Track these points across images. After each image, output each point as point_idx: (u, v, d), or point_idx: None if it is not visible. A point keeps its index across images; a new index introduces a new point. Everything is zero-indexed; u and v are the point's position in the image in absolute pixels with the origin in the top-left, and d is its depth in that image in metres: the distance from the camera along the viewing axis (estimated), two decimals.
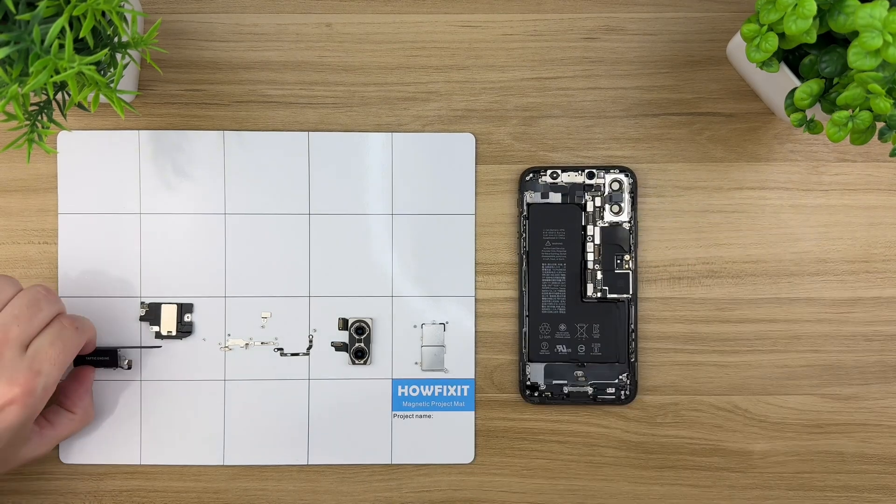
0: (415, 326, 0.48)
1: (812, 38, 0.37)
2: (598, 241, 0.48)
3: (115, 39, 0.40)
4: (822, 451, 0.49)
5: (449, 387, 0.48)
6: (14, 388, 0.39)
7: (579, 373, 0.48)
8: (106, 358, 0.47)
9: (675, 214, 0.49)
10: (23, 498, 0.48)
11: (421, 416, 0.48)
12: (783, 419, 0.49)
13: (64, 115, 0.42)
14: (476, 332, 0.48)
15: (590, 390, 0.48)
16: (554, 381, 0.48)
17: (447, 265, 0.48)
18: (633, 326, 0.48)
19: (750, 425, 0.49)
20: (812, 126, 0.41)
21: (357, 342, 0.48)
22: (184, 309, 0.48)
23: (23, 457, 0.43)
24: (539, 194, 0.48)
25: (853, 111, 0.38)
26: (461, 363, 0.48)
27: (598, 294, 0.48)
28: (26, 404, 0.39)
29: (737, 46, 0.45)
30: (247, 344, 0.48)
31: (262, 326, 0.48)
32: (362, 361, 0.48)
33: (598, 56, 0.49)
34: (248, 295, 0.48)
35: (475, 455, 0.49)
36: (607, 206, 0.48)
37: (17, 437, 0.40)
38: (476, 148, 0.48)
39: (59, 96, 0.41)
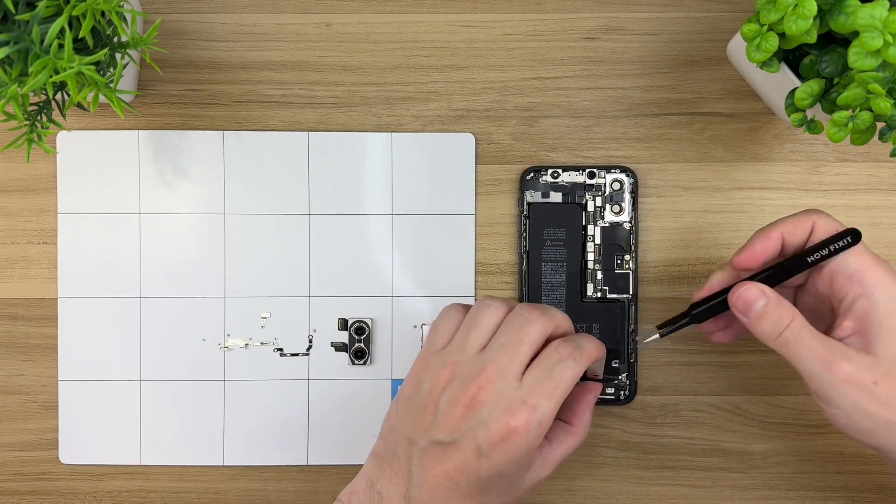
0: (415, 326, 0.48)
1: (812, 38, 0.37)
2: (598, 240, 0.48)
3: (115, 39, 0.40)
4: (822, 451, 0.49)
5: None
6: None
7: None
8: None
9: (675, 214, 0.49)
10: (23, 498, 0.48)
11: None
12: (783, 419, 0.49)
13: (63, 115, 0.42)
14: None
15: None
16: None
17: (447, 265, 0.48)
18: (632, 326, 0.48)
19: (750, 425, 0.49)
20: (812, 126, 0.41)
21: (357, 342, 0.48)
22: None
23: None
24: (540, 194, 0.48)
25: (853, 111, 0.38)
26: None
27: (599, 294, 0.48)
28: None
29: (737, 46, 0.45)
30: (247, 344, 0.48)
31: (262, 326, 0.48)
32: (362, 361, 0.48)
33: (598, 56, 0.49)
34: (248, 295, 0.48)
35: None
36: (608, 206, 0.48)
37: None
38: (476, 148, 0.48)
39: (58, 96, 0.41)
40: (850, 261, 0.38)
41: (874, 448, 0.38)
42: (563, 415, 0.41)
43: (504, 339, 0.37)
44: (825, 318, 0.40)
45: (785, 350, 0.37)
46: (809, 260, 0.39)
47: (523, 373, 0.37)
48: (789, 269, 0.40)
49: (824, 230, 0.39)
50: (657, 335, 0.43)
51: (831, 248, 0.38)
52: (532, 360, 0.38)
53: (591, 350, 0.39)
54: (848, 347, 0.36)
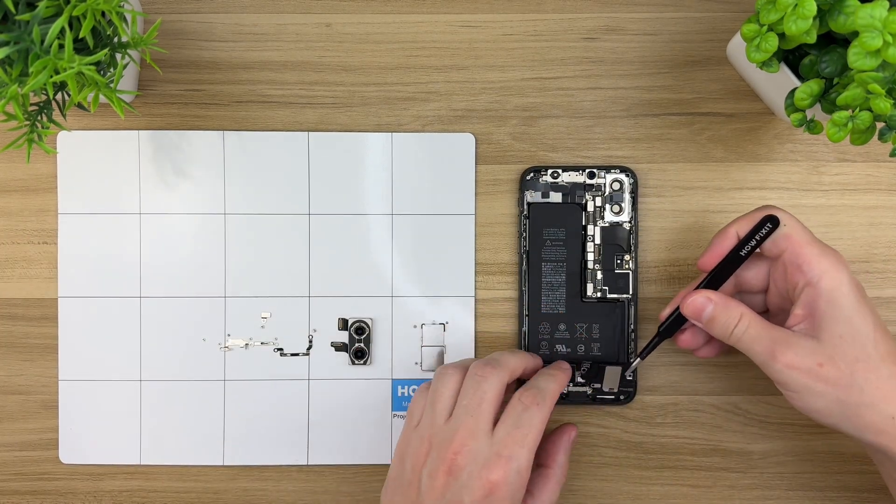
0: (415, 326, 0.48)
1: (812, 38, 0.37)
2: (598, 240, 0.48)
3: (115, 39, 0.40)
4: (822, 451, 0.49)
5: None
6: (491, 476, 0.38)
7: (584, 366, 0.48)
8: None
9: (675, 214, 0.49)
10: (23, 498, 0.48)
11: None
12: (783, 419, 0.49)
13: (64, 115, 0.42)
14: (476, 332, 0.48)
15: (589, 390, 0.48)
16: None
17: (447, 265, 0.48)
18: (632, 327, 0.48)
19: (750, 425, 0.49)
20: (812, 126, 0.41)
21: (357, 342, 0.48)
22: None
23: None
24: (540, 194, 0.48)
25: (853, 111, 0.38)
26: None
27: (598, 294, 0.48)
28: (508, 490, 0.38)
29: (737, 46, 0.45)
30: (247, 344, 0.48)
31: (262, 326, 0.48)
32: (362, 361, 0.48)
33: (598, 56, 0.49)
34: (248, 295, 0.48)
35: None
36: (608, 206, 0.48)
37: None
38: (476, 148, 0.48)
39: (58, 96, 0.41)
40: (798, 252, 0.40)
41: (838, 430, 0.39)
42: (541, 459, 0.43)
43: (465, 402, 0.40)
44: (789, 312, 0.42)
45: (738, 345, 0.41)
46: (742, 253, 0.42)
47: (493, 428, 0.39)
48: (728, 267, 0.42)
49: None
50: (638, 359, 0.45)
51: (756, 237, 0.41)
52: (501, 412, 0.40)
53: (553, 390, 0.41)
54: (794, 334, 0.39)
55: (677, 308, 0.43)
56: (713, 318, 0.41)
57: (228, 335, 0.48)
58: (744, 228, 0.42)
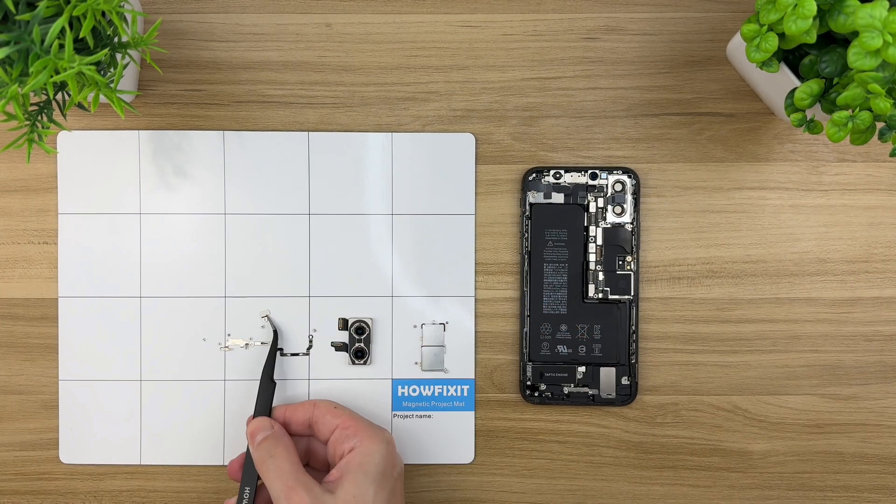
0: (415, 326, 0.48)
1: (812, 38, 0.37)
2: (600, 241, 0.48)
3: (115, 39, 0.40)
4: (822, 451, 0.49)
5: (449, 387, 0.48)
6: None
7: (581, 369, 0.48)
8: None
9: (675, 214, 0.49)
10: (23, 498, 0.48)
11: (421, 416, 0.48)
12: (783, 419, 0.49)
13: (64, 115, 0.42)
14: (476, 332, 0.48)
15: (590, 390, 0.48)
16: (554, 382, 0.48)
17: (447, 265, 0.48)
18: (633, 328, 0.48)
19: (750, 425, 0.49)
20: (812, 126, 0.41)
21: (357, 342, 0.48)
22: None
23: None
24: (542, 194, 0.48)
25: (853, 111, 0.38)
26: (461, 363, 0.48)
27: (600, 295, 0.48)
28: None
29: (737, 46, 0.45)
30: (247, 344, 0.48)
31: (262, 326, 0.48)
32: (362, 361, 0.48)
33: (598, 56, 0.49)
34: (248, 295, 0.48)
35: (475, 455, 0.49)
36: (609, 207, 0.48)
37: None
38: (476, 148, 0.48)
39: (59, 96, 0.41)
40: (346, 426, 0.44)
41: None
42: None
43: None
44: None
45: (264, 476, 0.42)
46: None
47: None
48: None
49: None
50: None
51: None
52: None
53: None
54: (317, 485, 0.41)
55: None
56: (259, 445, 0.43)
57: (228, 335, 0.48)
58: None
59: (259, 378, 0.47)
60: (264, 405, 0.46)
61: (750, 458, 0.49)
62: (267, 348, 0.48)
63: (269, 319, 0.48)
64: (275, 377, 0.47)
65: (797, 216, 0.49)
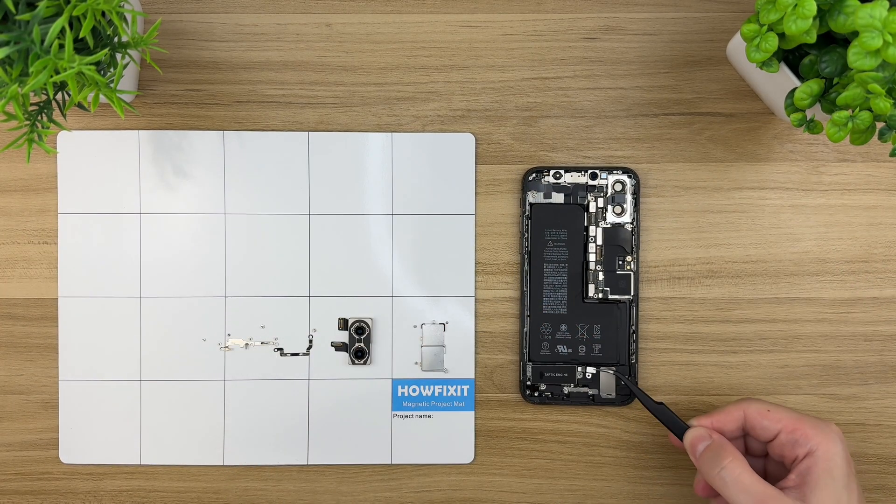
0: (415, 326, 0.48)
1: (812, 38, 0.37)
2: (600, 241, 0.48)
3: (115, 39, 0.40)
4: None
5: (449, 387, 0.48)
6: None
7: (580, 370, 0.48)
8: None
9: (675, 214, 0.49)
10: (23, 498, 0.48)
11: (421, 416, 0.48)
12: None
13: (64, 115, 0.42)
14: (476, 332, 0.48)
15: (590, 390, 0.48)
16: (554, 382, 0.48)
17: (447, 265, 0.48)
18: (633, 328, 0.48)
19: None
20: (812, 126, 0.41)
21: (357, 342, 0.48)
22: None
23: None
24: (542, 194, 0.48)
25: (853, 111, 0.38)
26: (461, 363, 0.48)
27: (600, 295, 0.48)
28: None
29: (737, 46, 0.45)
30: (247, 344, 0.48)
31: (262, 326, 0.48)
32: (362, 361, 0.48)
33: (598, 56, 0.49)
34: (248, 295, 0.48)
35: (475, 455, 0.49)
36: (609, 207, 0.48)
37: None
38: (476, 148, 0.48)
39: (59, 96, 0.41)
40: (793, 429, 0.42)
41: None
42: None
43: None
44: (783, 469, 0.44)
45: (722, 488, 0.41)
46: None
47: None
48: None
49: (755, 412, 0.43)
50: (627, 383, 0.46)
51: None
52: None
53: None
54: (783, 494, 0.40)
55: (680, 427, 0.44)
56: (703, 456, 0.42)
57: (228, 335, 0.48)
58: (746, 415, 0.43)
59: (648, 406, 0.45)
60: (676, 420, 0.44)
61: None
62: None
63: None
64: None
65: (797, 216, 0.49)
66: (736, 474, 0.40)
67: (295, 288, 0.48)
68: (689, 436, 0.43)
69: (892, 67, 0.36)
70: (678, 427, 0.44)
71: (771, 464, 0.44)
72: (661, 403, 0.45)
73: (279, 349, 0.48)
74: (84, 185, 0.48)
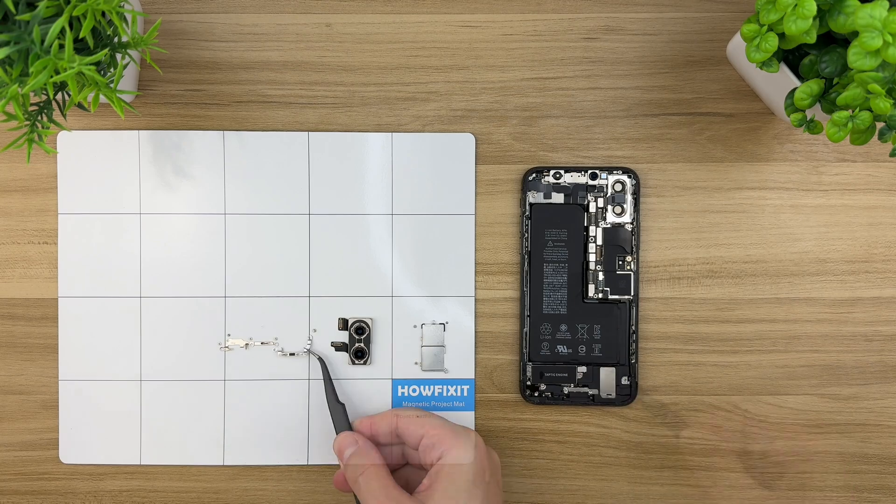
0: (415, 326, 0.48)
1: (812, 38, 0.37)
2: (600, 241, 0.48)
3: (115, 39, 0.40)
4: (822, 451, 0.49)
5: (449, 387, 0.48)
6: None
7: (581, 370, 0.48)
8: None
9: (675, 214, 0.49)
10: (23, 498, 0.48)
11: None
12: (783, 419, 0.49)
13: (64, 115, 0.42)
14: (476, 332, 0.48)
15: (589, 390, 0.48)
16: (554, 382, 0.48)
17: (447, 265, 0.48)
18: (633, 328, 0.48)
19: (750, 425, 0.49)
20: (812, 126, 0.41)
21: (357, 342, 0.48)
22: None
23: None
24: (542, 194, 0.48)
25: (853, 111, 0.38)
26: (461, 363, 0.48)
27: (600, 295, 0.48)
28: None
29: (737, 46, 0.45)
30: (247, 344, 0.48)
31: (262, 326, 0.48)
32: (362, 361, 0.48)
33: (598, 56, 0.49)
34: (248, 295, 0.48)
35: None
36: (609, 207, 0.48)
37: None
38: (476, 148, 0.48)
39: (59, 96, 0.41)
40: (431, 434, 0.43)
41: None
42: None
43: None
44: None
45: (359, 493, 0.42)
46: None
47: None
48: None
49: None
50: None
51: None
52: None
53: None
54: (409, 497, 0.41)
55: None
56: (348, 462, 0.44)
57: (228, 335, 0.48)
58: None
59: (327, 403, 0.47)
60: (342, 423, 0.46)
61: (750, 458, 0.49)
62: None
63: (310, 351, 0.48)
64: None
65: (797, 216, 0.49)
66: (369, 480, 0.42)
67: (295, 288, 0.48)
68: (338, 440, 0.45)
69: (892, 67, 0.36)
70: (341, 428, 0.46)
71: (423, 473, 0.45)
72: (343, 405, 0.46)
73: (279, 349, 0.48)
74: (84, 185, 0.48)
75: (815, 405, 0.49)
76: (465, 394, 0.48)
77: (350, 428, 0.46)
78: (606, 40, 0.49)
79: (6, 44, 0.35)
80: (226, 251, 0.48)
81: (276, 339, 0.48)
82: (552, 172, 0.48)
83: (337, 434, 0.46)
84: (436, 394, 0.48)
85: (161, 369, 0.48)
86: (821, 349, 0.49)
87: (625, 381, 0.48)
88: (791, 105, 0.41)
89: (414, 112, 0.48)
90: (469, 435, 0.43)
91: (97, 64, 0.38)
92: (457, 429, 0.44)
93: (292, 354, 0.48)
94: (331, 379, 0.47)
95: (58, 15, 0.36)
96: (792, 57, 0.41)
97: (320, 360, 0.47)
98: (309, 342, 0.48)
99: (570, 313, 0.48)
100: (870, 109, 0.37)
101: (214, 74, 0.48)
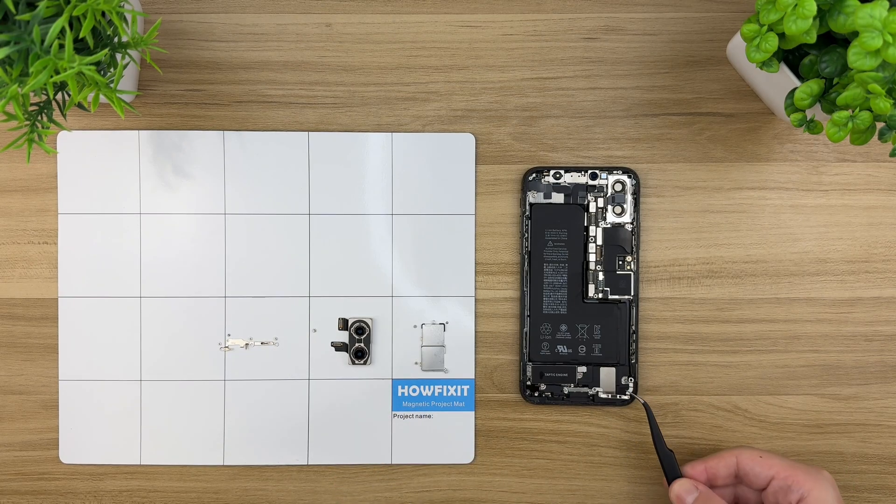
0: (415, 326, 0.48)
1: (812, 38, 0.37)
2: (600, 241, 0.48)
3: (115, 39, 0.40)
4: (822, 451, 0.49)
5: (449, 387, 0.48)
6: None
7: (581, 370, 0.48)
8: None
9: (675, 214, 0.49)
10: (23, 498, 0.48)
11: (421, 416, 0.48)
12: (783, 419, 0.49)
13: (64, 115, 0.42)
14: (476, 332, 0.48)
15: (590, 390, 0.48)
16: (554, 382, 0.48)
17: (447, 265, 0.48)
18: (633, 328, 0.48)
19: (750, 425, 0.49)
20: (812, 126, 0.41)
21: (357, 342, 0.48)
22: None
23: None
24: (542, 194, 0.48)
25: (853, 111, 0.38)
26: (461, 363, 0.48)
27: (600, 295, 0.48)
28: None
29: (737, 46, 0.45)
30: (247, 344, 0.48)
31: (262, 326, 0.48)
32: (362, 361, 0.48)
33: (598, 56, 0.49)
34: (248, 295, 0.48)
35: (475, 455, 0.49)
36: (609, 207, 0.48)
37: None
38: (476, 148, 0.48)
39: (59, 96, 0.41)
40: (785, 476, 0.43)
41: None
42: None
43: None
44: None
45: None
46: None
47: None
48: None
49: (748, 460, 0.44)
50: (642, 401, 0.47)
51: None
52: None
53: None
54: None
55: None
56: None
57: (229, 335, 0.48)
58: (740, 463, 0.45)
59: (655, 449, 0.47)
60: (673, 468, 0.45)
61: None
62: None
63: (635, 397, 0.48)
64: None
65: (797, 216, 0.49)
66: None
67: (295, 288, 0.48)
68: (676, 487, 0.44)
69: (892, 67, 0.36)
70: (673, 475, 0.45)
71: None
72: (672, 451, 0.46)
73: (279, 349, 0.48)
74: (84, 185, 0.48)
75: (815, 405, 0.49)
76: (465, 394, 0.48)
77: (681, 474, 0.45)
78: (606, 40, 0.49)
79: (6, 44, 0.35)
80: (226, 251, 0.48)
81: (275, 339, 0.48)
82: (552, 172, 0.48)
83: (669, 481, 0.45)
84: (436, 394, 0.48)
85: (161, 369, 0.48)
86: (821, 349, 0.49)
87: (625, 380, 0.48)
88: (791, 105, 0.41)
89: (414, 112, 0.48)
90: (824, 474, 0.43)
91: (97, 64, 0.38)
92: (810, 468, 0.43)
93: (293, 355, 0.48)
94: (657, 425, 0.46)
95: (58, 15, 0.36)
96: (792, 57, 0.41)
97: (645, 405, 0.46)
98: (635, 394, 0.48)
99: (570, 313, 0.48)
100: (870, 109, 0.37)
101: (214, 74, 0.48)
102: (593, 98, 0.49)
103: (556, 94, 0.48)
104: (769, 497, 0.43)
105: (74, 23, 0.37)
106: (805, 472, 0.43)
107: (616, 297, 0.48)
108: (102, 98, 0.39)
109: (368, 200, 0.48)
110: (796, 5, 0.37)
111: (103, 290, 0.48)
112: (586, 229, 0.48)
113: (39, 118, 0.40)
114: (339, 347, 0.48)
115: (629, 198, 0.48)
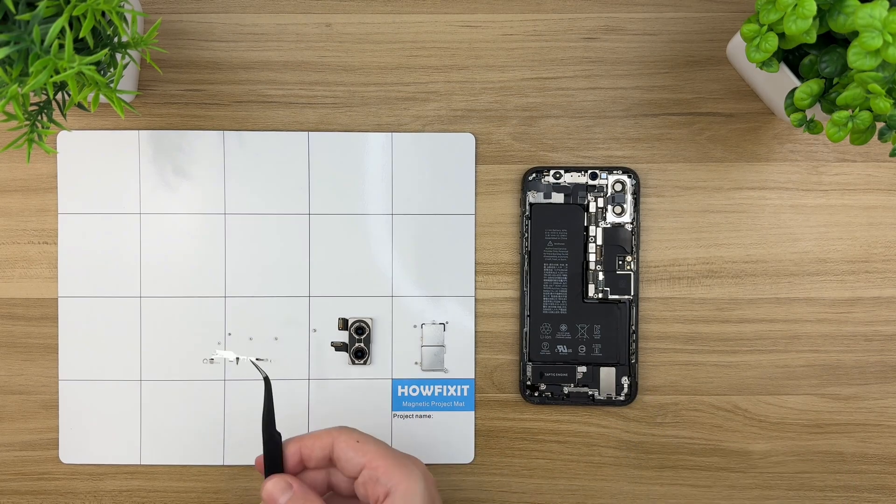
0: (415, 326, 0.48)
1: (812, 38, 0.37)
2: (600, 241, 0.48)
3: (115, 39, 0.40)
4: (822, 451, 0.49)
5: (449, 387, 0.48)
6: None
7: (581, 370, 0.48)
8: None
9: (675, 214, 0.49)
10: (23, 498, 0.48)
11: (421, 416, 0.48)
12: (783, 419, 0.49)
13: (64, 115, 0.42)
14: (476, 332, 0.48)
15: (589, 390, 0.48)
16: (554, 382, 0.48)
17: (447, 265, 0.48)
18: (633, 328, 0.48)
19: (750, 425, 0.49)
20: (812, 126, 0.41)
21: (357, 342, 0.48)
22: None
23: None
24: (542, 194, 0.48)
25: (853, 111, 0.38)
26: (461, 363, 0.48)
27: (600, 295, 0.48)
28: None
29: (737, 46, 0.45)
30: (237, 358, 0.48)
31: (262, 327, 0.48)
32: (362, 361, 0.48)
33: (598, 56, 0.49)
34: (248, 295, 0.48)
35: (475, 455, 0.49)
36: (609, 207, 0.48)
37: None
38: (476, 148, 0.48)
39: (59, 96, 0.41)
40: (374, 466, 0.39)
41: None
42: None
43: None
44: None
45: None
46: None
47: None
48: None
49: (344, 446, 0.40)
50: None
51: None
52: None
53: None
54: None
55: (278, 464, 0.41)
56: None
57: (229, 335, 0.48)
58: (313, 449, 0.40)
59: (261, 433, 0.40)
60: (274, 462, 0.40)
61: (750, 458, 0.49)
62: (262, 365, 0.48)
63: (256, 365, 0.43)
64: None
65: (797, 216, 0.49)
66: None
67: (295, 288, 0.48)
68: (269, 486, 0.39)
69: (892, 67, 0.36)
70: (273, 467, 0.40)
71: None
72: (280, 435, 0.40)
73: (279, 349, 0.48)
74: (84, 185, 0.48)
75: (815, 405, 0.49)
76: (465, 394, 0.48)
77: (282, 468, 0.40)
78: (606, 40, 0.49)
79: (6, 44, 0.35)
80: (226, 251, 0.48)
81: (276, 339, 0.48)
82: (552, 172, 0.48)
83: (266, 475, 0.40)
84: (436, 394, 0.48)
85: (161, 369, 0.48)
86: (821, 349, 0.49)
87: (625, 380, 0.48)
88: (791, 105, 0.41)
89: (414, 112, 0.48)
90: (415, 465, 0.40)
91: (97, 64, 0.38)
92: (401, 459, 0.39)
93: (211, 360, 0.48)
94: (271, 404, 0.40)
95: (58, 15, 0.36)
96: (792, 57, 0.41)
97: (265, 379, 0.40)
98: (253, 357, 0.46)
99: (570, 313, 0.48)
100: (870, 109, 0.37)
101: (214, 74, 0.48)
102: (593, 98, 0.49)
103: (556, 94, 0.48)
104: (360, 487, 0.39)
105: (74, 23, 0.37)
106: (395, 464, 0.39)
107: (616, 297, 0.48)
108: (102, 98, 0.39)
109: (368, 200, 0.48)
110: (796, 5, 0.37)
111: (103, 290, 0.48)
112: (586, 229, 0.48)
113: (39, 118, 0.40)
114: (339, 347, 0.48)
115: (629, 198, 0.48)
